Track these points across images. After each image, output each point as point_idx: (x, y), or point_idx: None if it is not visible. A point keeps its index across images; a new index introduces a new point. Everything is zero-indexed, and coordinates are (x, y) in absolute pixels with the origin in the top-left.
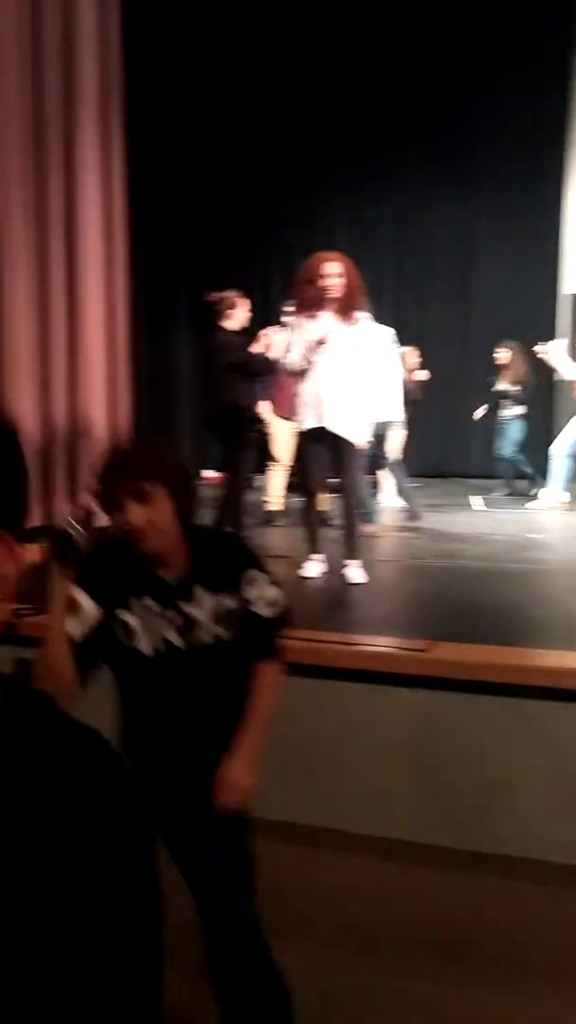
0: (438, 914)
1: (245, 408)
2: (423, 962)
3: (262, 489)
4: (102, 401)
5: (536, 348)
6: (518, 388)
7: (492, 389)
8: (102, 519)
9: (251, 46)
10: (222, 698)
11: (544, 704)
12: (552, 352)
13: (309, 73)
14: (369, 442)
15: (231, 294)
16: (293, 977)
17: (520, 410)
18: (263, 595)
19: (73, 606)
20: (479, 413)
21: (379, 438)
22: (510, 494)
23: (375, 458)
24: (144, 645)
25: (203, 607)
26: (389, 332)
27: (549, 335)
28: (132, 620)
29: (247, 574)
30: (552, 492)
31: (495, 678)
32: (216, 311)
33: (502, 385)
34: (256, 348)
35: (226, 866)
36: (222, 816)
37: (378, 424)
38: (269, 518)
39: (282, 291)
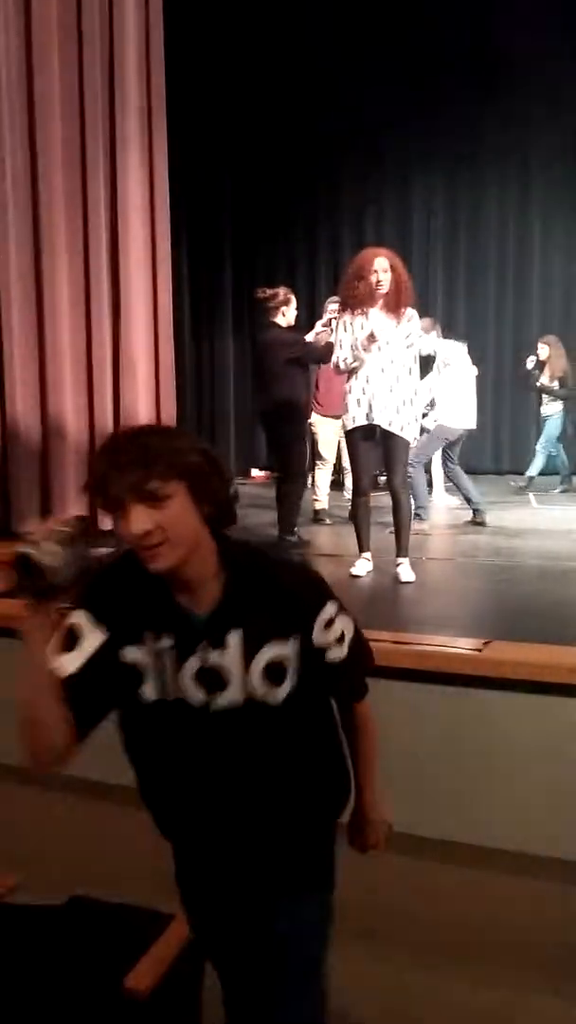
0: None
1: (304, 404)
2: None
3: (309, 488)
4: (147, 400)
5: None
6: (556, 383)
7: (535, 384)
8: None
9: (297, 28)
10: (260, 774)
11: None
12: None
13: (359, 60)
14: (443, 446)
15: (282, 290)
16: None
17: (558, 405)
18: (338, 635)
19: (69, 638)
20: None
21: (452, 444)
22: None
23: (445, 463)
24: (152, 693)
25: (236, 656)
26: (462, 346)
27: None
28: (142, 659)
29: (322, 614)
30: None
31: (553, 678)
32: (268, 308)
33: (541, 380)
34: (311, 336)
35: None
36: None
37: (452, 431)
38: (317, 516)
39: (330, 287)
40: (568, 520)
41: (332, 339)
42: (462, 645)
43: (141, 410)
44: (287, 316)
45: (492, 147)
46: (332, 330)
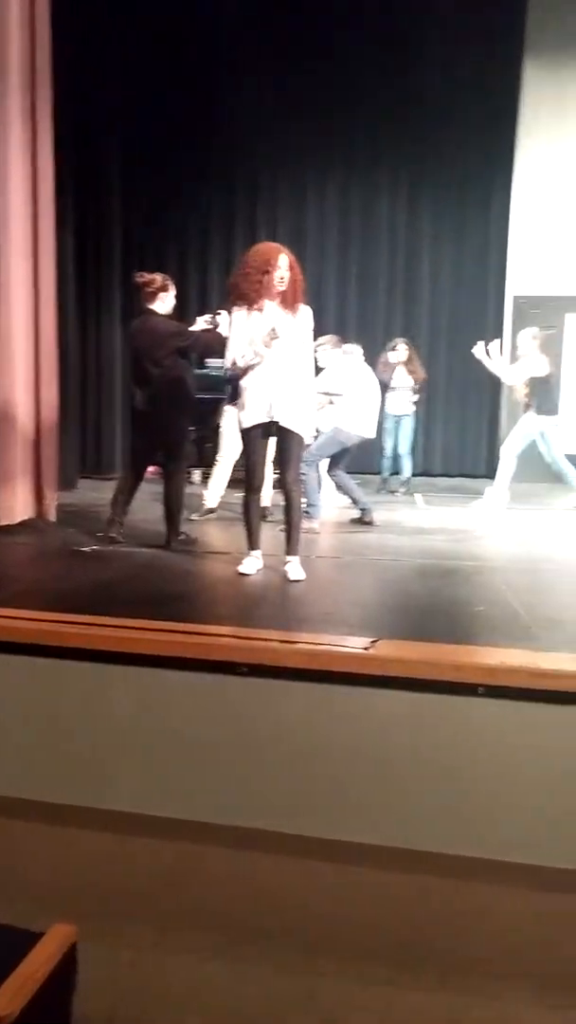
0: (387, 915)
1: (191, 396)
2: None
3: (200, 484)
4: (26, 386)
5: (475, 350)
6: (413, 385)
7: (390, 386)
8: None
9: (193, 15)
10: None
11: (489, 702)
12: (490, 354)
13: (259, 65)
14: (338, 450)
15: (160, 276)
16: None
17: (413, 407)
18: None
19: None
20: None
21: (344, 451)
22: (392, 491)
23: (331, 467)
24: None
25: None
26: (358, 349)
27: (493, 337)
28: None
29: None
30: (496, 490)
31: (439, 676)
32: (146, 293)
33: (397, 382)
34: (197, 328)
35: None
36: None
37: (350, 436)
38: (208, 513)
39: (222, 277)
40: (454, 519)
41: (227, 332)
42: (351, 644)
43: (19, 396)
44: (165, 303)
45: (386, 147)
46: (216, 325)
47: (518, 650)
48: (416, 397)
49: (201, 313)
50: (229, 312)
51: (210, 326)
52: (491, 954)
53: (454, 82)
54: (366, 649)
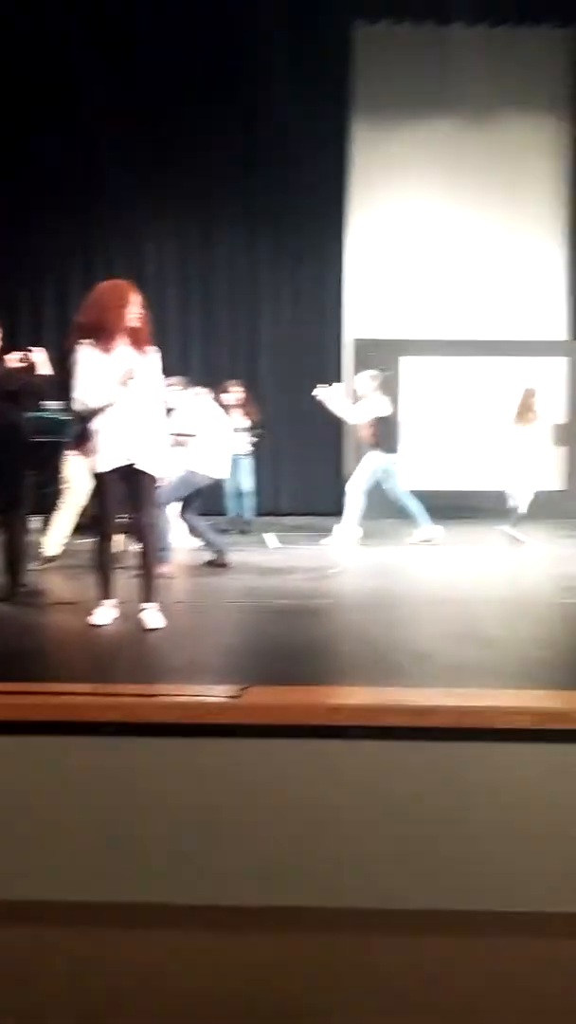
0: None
1: (26, 439)
2: None
3: (41, 531)
4: None
5: (316, 391)
6: (251, 426)
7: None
8: None
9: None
10: None
11: (368, 744)
12: (332, 396)
13: (96, 102)
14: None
15: None
16: None
17: (251, 447)
18: None
19: None
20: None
21: (196, 493)
22: (243, 531)
23: (183, 510)
24: None
25: None
26: (203, 391)
27: (334, 379)
28: None
29: None
30: (346, 527)
31: (316, 720)
32: None
33: (236, 423)
34: (13, 365)
35: None
36: None
37: (203, 478)
38: (49, 562)
39: (58, 319)
40: (307, 558)
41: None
42: (218, 693)
43: None
44: None
45: (226, 195)
46: (30, 363)
47: (392, 688)
48: (252, 438)
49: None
50: (70, 351)
51: (23, 364)
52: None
53: (289, 136)
54: (236, 697)
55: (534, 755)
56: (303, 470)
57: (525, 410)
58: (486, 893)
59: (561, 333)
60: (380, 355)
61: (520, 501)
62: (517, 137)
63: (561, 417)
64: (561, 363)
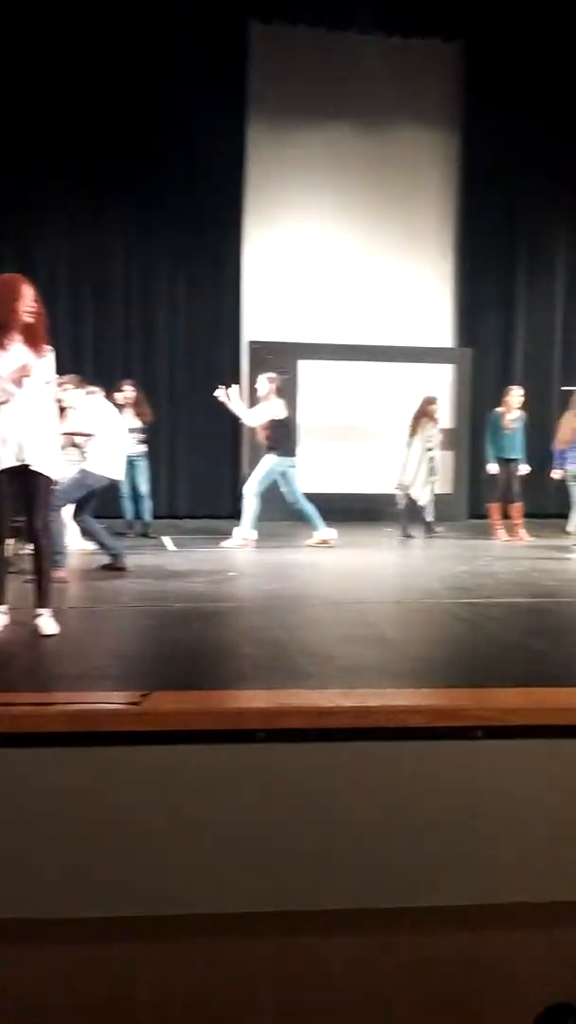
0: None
1: None
2: None
3: None
4: None
5: (216, 393)
6: (141, 426)
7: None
8: None
9: None
10: None
11: (270, 747)
12: (231, 398)
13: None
14: (85, 493)
15: None
16: None
17: (145, 447)
18: None
19: None
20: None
21: (92, 493)
22: (139, 533)
23: (77, 512)
24: None
25: None
26: (96, 390)
27: (232, 381)
28: None
29: None
30: (243, 530)
31: (217, 725)
32: None
33: (128, 423)
34: None
35: None
36: None
37: (99, 479)
38: None
39: None
40: (206, 561)
41: None
42: (118, 700)
43: None
44: None
45: (121, 193)
46: None
47: (294, 690)
48: (144, 437)
49: None
50: None
51: None
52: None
53: (184, 134)
54: (136, 704)
55: (430, 752)
56: (200, 473)
57: (424, 416)
58: (390, 889)
59: (448, 340)
60: (277, 358)
61: (421, 504)
62: (410, 146)
63: (447, 422)
64: (447, 370)
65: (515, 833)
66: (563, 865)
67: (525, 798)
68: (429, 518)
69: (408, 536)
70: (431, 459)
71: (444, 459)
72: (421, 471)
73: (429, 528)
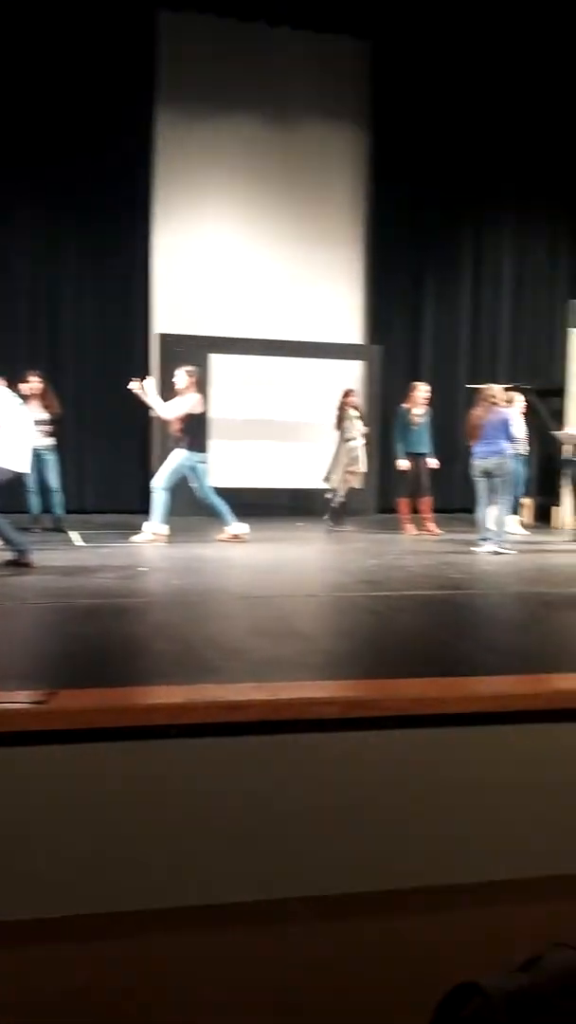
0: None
1: None
2: None
3: None
4: None
5: (131, 385)
6: (48, 418)
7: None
8: None
9: None
10: None
11: (181, 743)
12: (146, 390)
13: None
14: None
15: None
16: None
17: (53, 440)
18: None
19: None
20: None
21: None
22: (47, 528)
23: None
24: None
25: None
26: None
27: (144, 374)
28: None
29: None
30: (153, 525)
31: (126, 722)
32: None
33: (34, 415)
34: None
35: None
36: None
37: (4, 471)
38: None
39: None
40: (115, 556)
41: None
42: (22, 699)
43: None
44: None
45: (26, 182)
46: None
47: (205, 685)
48: (51, 430)
49: None
50: None
51: None
52: None
53: (93, 121)
54: (42, 703)
55: (343, 743)
56: (108, 466)
57: (342, 409)
58: (302, 880)
59: (358, 337)
60: (189, 351)
61: (339, 496)
62: (322, 143)
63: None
64: (357, 367)
65: (430, 819)
66: (471, 848)
67: (436, 785)
68: (335, 509)
69: (337, 530)
70: (350, 451)
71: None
72: (339, 464)
73: (332, 519)
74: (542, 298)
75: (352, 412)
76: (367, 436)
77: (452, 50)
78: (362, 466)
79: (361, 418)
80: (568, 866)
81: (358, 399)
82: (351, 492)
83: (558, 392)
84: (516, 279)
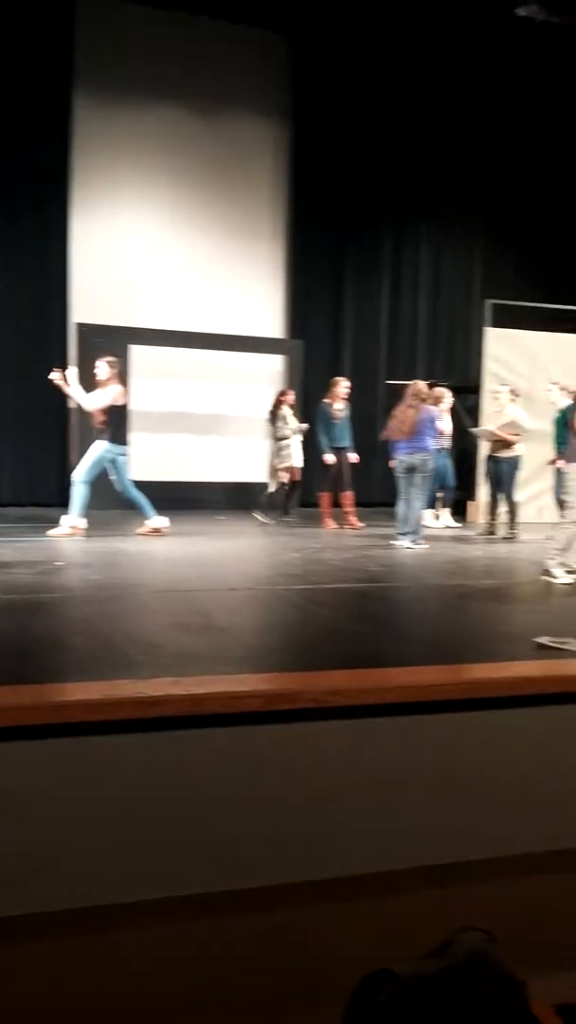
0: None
1: None
2: None
3: None
4: None
5: (52, 376)
6: None
7: None
8: None
9: None
10: None
11: (98, 739)
12: (68, 381)
13: None
14: None
15: None
16: None
17: None
18: None
19: None
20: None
21: None
22: None
23: None
24: None
25: None
26: None
27: (61, 364)
28: None
29: None
30: (71, 518)
31: (40, 719)
32: None
33: None
34: None
35: None
36: None
37: None
38: None
39: None
40: (32, 551)
41: None
42: None
43: None
44: None
45: None
46: None
47: (122, 681)
48: None
49: None
50: None
51: None
52: None
53: (8, 109)
54: None
55: (265, 736)
56: (25, 459)
57: (276, 407)
58: (218, 874)
59: (279, 331)
60: (109, 342)
61: (269, 490)
62: (244, 135)
63: None
64: (277, 360)
65: (351, 809)
66: (387, 839)
67: (356, 775)
68: (263, 502)
69: (281, 521)
70: (280, 448)
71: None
72: (271, 459)
73: (264, 511)
74: (459, 297)
75: (286, 410)
76: (304, 433)
77: (374, 48)
78: (296, 462)
79: (296, 416)
80: (473, 853)
81: (292, 397)
82: (283, 486)
83: (474, 389)
84: (434, 278)
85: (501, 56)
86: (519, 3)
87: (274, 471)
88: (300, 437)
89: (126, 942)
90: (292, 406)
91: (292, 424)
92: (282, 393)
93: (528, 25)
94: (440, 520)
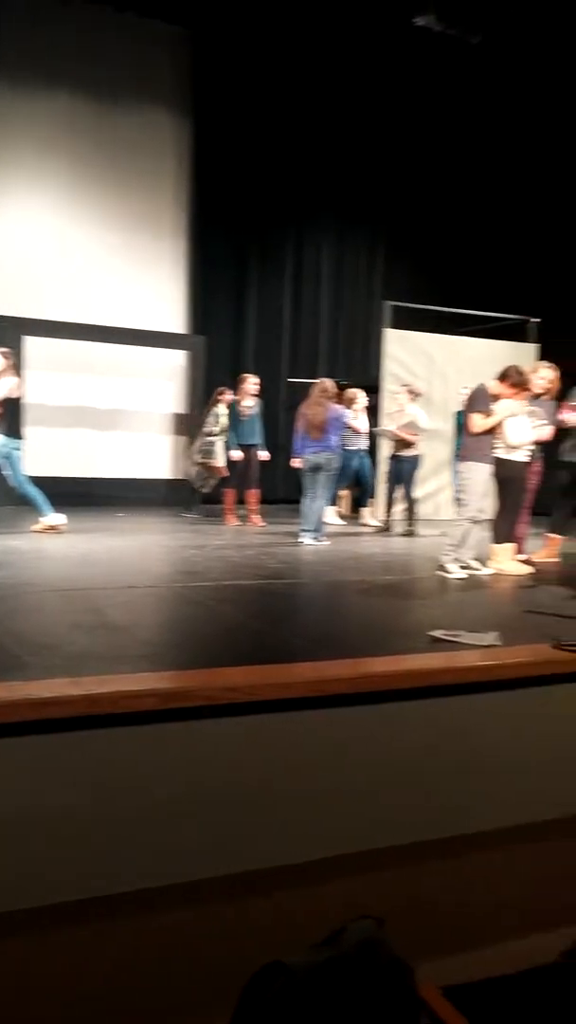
0: None
1: None
2: None
3: None
4: None
5: None
6: None
7: None
8: None
9: None
10: None
11: (40, 739)
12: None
13: None
14: None
15: None
16: None
17: None
18: None
19: None
20: None
21: None
22: None
23: None
24: None
25: None
26: None
27: None
28: None
29: None
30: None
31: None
32: None
33: None
34: None
35: None
36: None
37: None
38: None
39: None
40: None
41: None
42: None
43: None
44: None
45: None
46: None
47: (14, 682)
48: None
49: None
50: None
51: None
52: None
53: None
54: None
55: (160, 734)
56: None
57: (210, 403)
58: (140, 873)
59: (181, 326)
60: (1, 332)
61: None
62: (146, 128)
63: (180, 408)
64: (179, 356)
65: (247, 807)
66: (288, 833)
67: (253, 773)
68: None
69: (182, 516)
70: (205, 443)
71: (177, 444)
72: (193, 455)
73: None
74: (360, 296)
75: (221, 408)
76: (184, 427)
77: (275, 46)
78: (219, 460)
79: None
80: (359, 844)
81: (230, 396)
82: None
83: (373, 388)
84: (335, 277)
85: (401, 63)
86: (418, 12)
87: (195, 465)
88: (224, 437)
89: (58, 943)
90: (228, 405)
91: (223, 423)
92: (220, 392)
93: (426, 35)
94: (364, 519)
